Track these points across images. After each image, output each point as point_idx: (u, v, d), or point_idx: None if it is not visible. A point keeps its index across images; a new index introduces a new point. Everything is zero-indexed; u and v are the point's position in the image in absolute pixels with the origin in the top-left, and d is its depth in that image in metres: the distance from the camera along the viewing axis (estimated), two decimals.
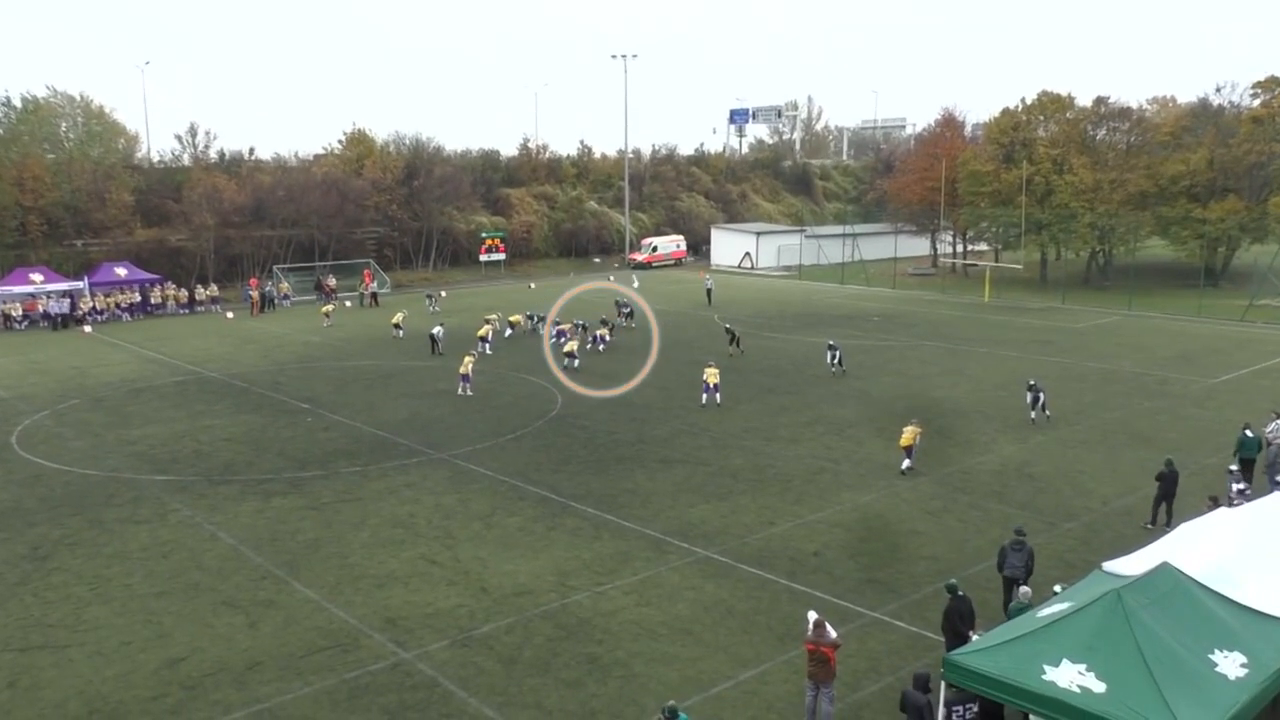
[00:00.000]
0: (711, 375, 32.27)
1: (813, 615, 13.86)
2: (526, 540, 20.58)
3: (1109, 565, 13.62)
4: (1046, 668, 11.07)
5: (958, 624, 14.49)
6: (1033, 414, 29.49)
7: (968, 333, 46.51)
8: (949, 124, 77.06)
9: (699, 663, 15.38)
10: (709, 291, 58.03)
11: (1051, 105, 65.57)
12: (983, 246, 74.83)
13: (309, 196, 65.45)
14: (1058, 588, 14.26)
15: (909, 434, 24.88)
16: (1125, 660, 10.85)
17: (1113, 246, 65.22)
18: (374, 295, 59.94)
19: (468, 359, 34.73)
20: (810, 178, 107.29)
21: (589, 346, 41.94)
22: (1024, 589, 15.03)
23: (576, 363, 37.79)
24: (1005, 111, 67.55)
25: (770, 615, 16.96)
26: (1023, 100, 67.11)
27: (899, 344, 43.47)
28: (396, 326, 46.54)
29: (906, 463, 24.75)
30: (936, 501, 22.70)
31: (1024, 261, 64.90)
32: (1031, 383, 30.22)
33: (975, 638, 13.31)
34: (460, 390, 33.65)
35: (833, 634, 13.59)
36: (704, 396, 31.97)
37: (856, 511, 22.10)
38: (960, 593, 14.78)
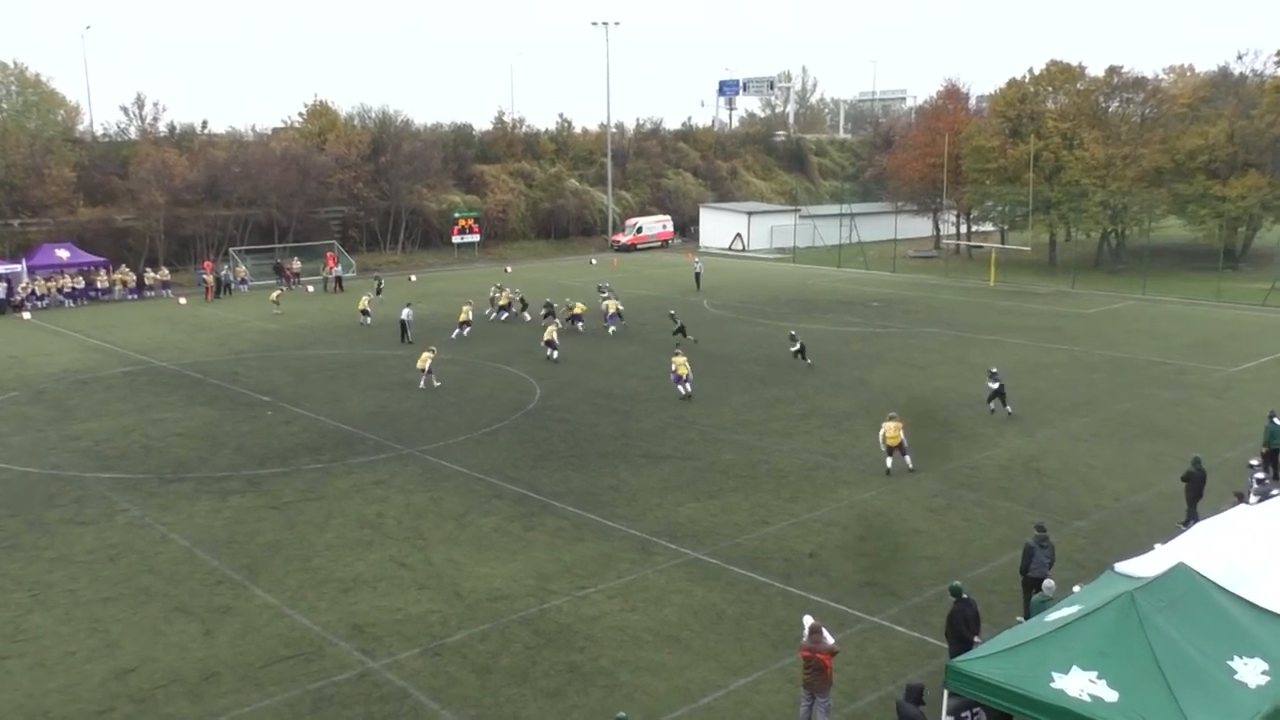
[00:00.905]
0: (681, 365, 32.20)
1: (808, 620, 13.90)
2: (503, 541, 20.57)
3: (1121, 566, 13.70)
4: (1055, 675, 11.14)
5: (962, 629, 14.59)
6: (991, 405, 29.71)
7: (972, 319, 46.73)
8: (952, 96, 77.26)
9: (687, 671, 15.42)
10: (698, 276, 58.03)
11: (1061, 76, 65.82)
12: (988, 227, 75.17)
13: (267, 173, 65.03)
14: (1076, 588, 14.35)
15: (893, 429, 24.45)
16: (1139, 667, 10.91)
17: (1126, 227, 65.61)
18: (339, 280, 59.62)
19: (426, 355, 34.29)
20: (805, 154, 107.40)
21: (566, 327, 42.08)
22: (1048, 582, 15.19)
23: (556, 354, 37.64)
24: (1012, 83, 67.81)
25: (763, 620, 17.02)
26: (1030, 71, 67.47)
27: (899, 331, 43.63)
28: (364, 313, 46.31)
29: (906, 460, 24.58)
30: (939, 499, 22.82)
31: (1032, 243, 65.24)
32: (993, 371, 30.47)
33: (980, 643, 13.38)
34: (424, 384, 33.56)
35: (829, 640, 13.65)
36: (680, 388, 31.94)
37: (855, 510, 22.19)
38: (965, 595, 14.87)
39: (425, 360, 33.96)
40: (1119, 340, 41.27)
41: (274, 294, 52.81)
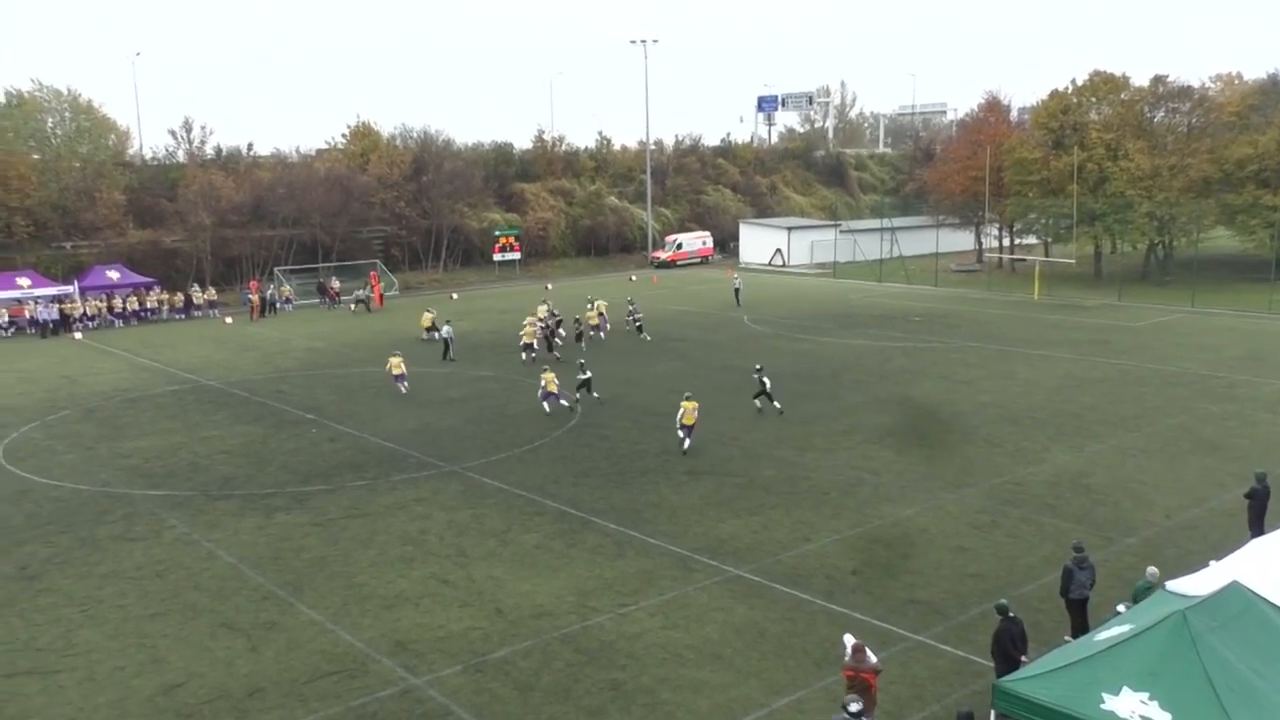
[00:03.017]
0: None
1: (850, 640, 13.77)
2: (544, 558, 20.60)
3: (1173, 584, 13.43)
4: (1106, 696, 10.94)
5: (1009, 648, 14.37)
6: (758, 403, 30.00)
7: (1016, 333, 46.21)
8: (993, 108, 76.63)
9: (730, 689, 15.32)
10: (737, 292, 57.85)
11: (1104, 86, 65.05)
12: (1031, 240, 74.35)
13: (311, 194, 65.93)
14: (1121, 607, 14.11)
15: (690, 409, 27.26)
16: (1192, 688, 10.69)
17: (1173, 238, 64.59)
18: (363, 301, 59.71)
19: (395, 359, 36.03)
20: (845, 168, 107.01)
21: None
22: (1151, 569, 15.10)
23: (532, 356, 40.19)
24: (1054, 94, 67.08)
25: (806, 638, 16.87)
26: (1073, 81, 66.67)
27: (942, 346, 43.25)
28: (430, 329, 46.72)
29: (687, 443, 27.24)
30: (984, 515, 22.54)
31: (1076, 255, 64.41)
32: (758, 367, 30.85)
33: (1027, 663, 13.19)
34: (403, 388, 35.33)
35: (873, 659, 13.50)
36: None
37: (898, 527, 21.97)
38: (1011, 614, 14.65)
39: (397, 365, 35.59)
40: (1168, 353, 40.60)
41: (353, 305, 57.97)
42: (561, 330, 44.36)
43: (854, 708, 12.17)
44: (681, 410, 27.80)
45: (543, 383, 32.19)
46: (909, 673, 15.66)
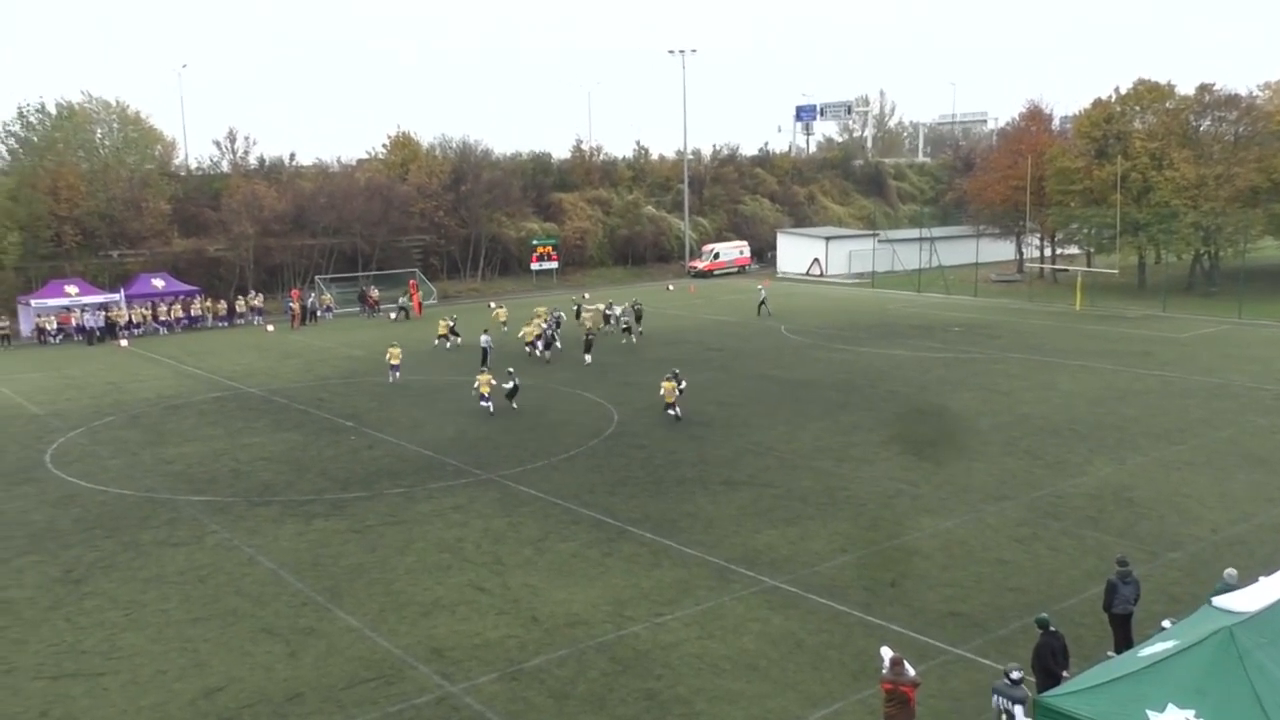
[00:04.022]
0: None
1: (887, 652, 13.65)
2: (580, 567, 20.62)
3: (1219, 600, 13.17)
4: (1150, 713, 10.74)
5: (1050, 662, 14.18)
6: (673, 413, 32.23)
7: (1058, 344, 45.66)
8: (1034, 117, 75.89)
9: (766, 701, 15.23)
10: (762, 304, 57.43)
11: (1149, 94, 64.27)
12: (1073, 250, 73.46)
13: (352, 203, 66.68)
14: (1166, 623, 13.88)
15: (670, 387, 31.59)
16: (1239, 706, 10.47)
17: (1219, 248, 63.55)
18: (403, 308, 60.35)
19: (394, 349, 38.87)
20: (883, 178, 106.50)
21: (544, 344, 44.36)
22: (1230, 570, 14.94)
23: (538, 350, 42.74)
24: (1097, 103, 66.43)
25: (843, 650, 16.75)
26: (1116, 90, 66.01)
27: (982, 357, 42.84)
28: (453, 333, 48.26)
29: (675, 412, 31.48)
30: (1025, 528, 22.26)
31: (1119, 266, 63.57)
32: (675, 372, 33.17)
33: (1069, 678, 12.99)
34: (391, 379, 37.14)
35: (911, 672, 13.38)
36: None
37: (937, 539, 21.76)
38: (1052, 628, 14.47)
39: (395, 355, 38.37)
40: (1214, 365, 39.93)
41: (393, 314, 58.84)
42: (557, 342, 45.51)
43: (1015, 675, 12.11)
44: (663, 390, 32.53)
45: (476, 384, 33.95)
46: (948, 687, 15.48)
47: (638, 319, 49.78)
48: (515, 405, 34.07)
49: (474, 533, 22.76)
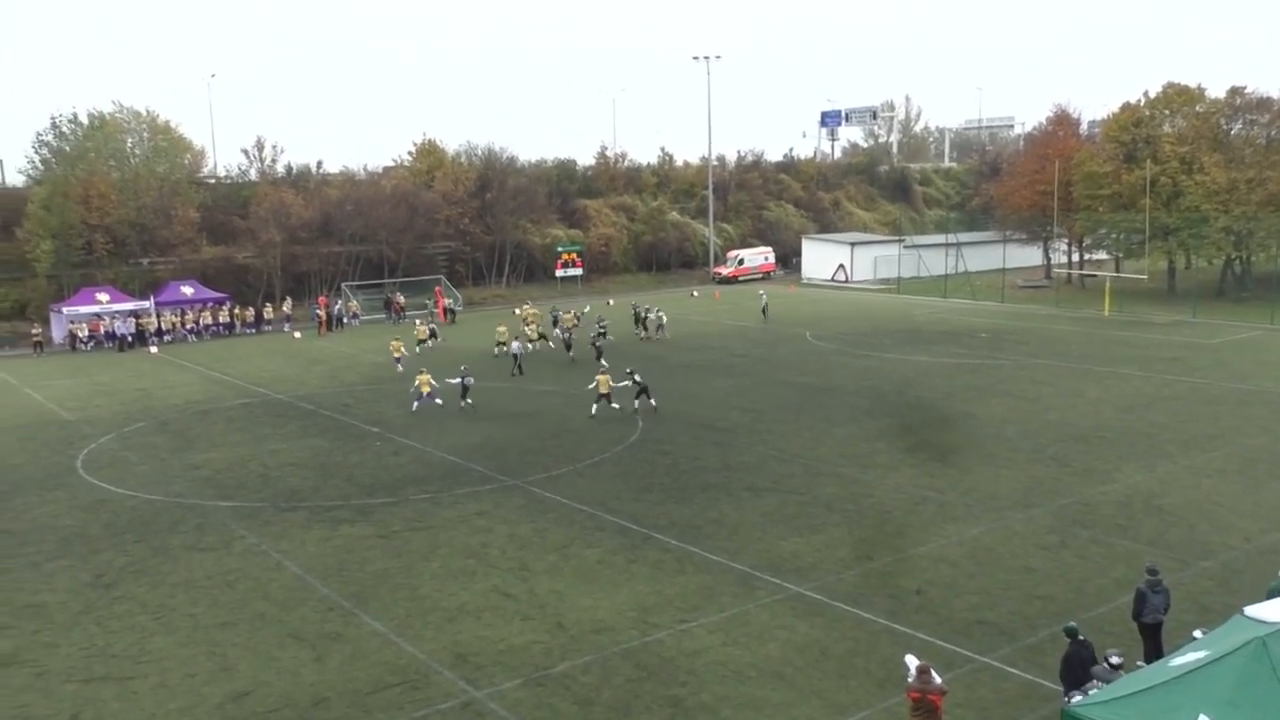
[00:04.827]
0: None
1: (913, 661, 13.57)
2: (605, 573, 20.63)
3: (1251, 610, 13.02)
4: None
5: (1078, 672, 14.04)
6: (637, 403, 33.69)
7: (1086, 350, 45.29)
8: (1062, 122, 75.37)
9: (791, 708, 15.17)
10: (764, 309, 58.17)
11: (1179, 98, 63.64)
12: (1101, 255, 72.82)
13: (378, 211, 67.17)
14: (1198, 633, 13.72)
15: (604, 380, 32.86)
16: (1271, 718, 10.35)
17: (1251, 253, 62.88)
18: (433, 330, 60.12)
19: (423, 377, 36.24)
20: (909, 183, 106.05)
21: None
22: None
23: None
24: (1126, 107, 65.82)
25: (869, 658, 16.66)
26: (1145, 94, 65.39)
27: (1009, 363, 42.54)
28: (433, 336, 50.67)
29: (614, 405, 32.66)
30: (1053, 536, 22.07)
31: (1148, 271, 62.98)
32: (629, 370, 34.89)
33: (1098, 687, 12.87)
34: (415, 406, 35.52)
35: (938, 680, 13.29)
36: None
37: (963, 546, 21.61)
38: (1081, 637, 14.32)
39: (425, 383, 35.96)
40: (1245, 372, 39.47)
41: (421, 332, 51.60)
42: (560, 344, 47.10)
43: (1115, 660, 12.11)
44: (595, 382, 33.96)
45: (417, 383, 35.42)
46: (974, 695, 15.36)
47: (642, 324, 52.32)
48: (468, 403, 35.53)
49: (499, 538, 22.82)
